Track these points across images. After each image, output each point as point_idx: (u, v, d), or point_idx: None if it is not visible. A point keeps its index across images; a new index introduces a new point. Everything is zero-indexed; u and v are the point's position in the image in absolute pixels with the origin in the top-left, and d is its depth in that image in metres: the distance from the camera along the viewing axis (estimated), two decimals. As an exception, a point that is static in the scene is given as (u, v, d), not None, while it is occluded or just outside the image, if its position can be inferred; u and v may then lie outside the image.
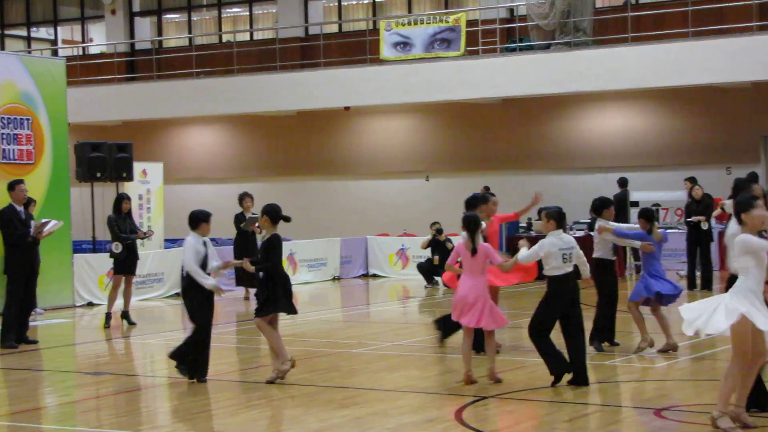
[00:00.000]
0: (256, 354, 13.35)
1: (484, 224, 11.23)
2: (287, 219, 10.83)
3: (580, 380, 10.29)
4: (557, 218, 10.36)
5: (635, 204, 22.60)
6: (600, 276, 12.34)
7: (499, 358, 12.30)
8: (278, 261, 10.91)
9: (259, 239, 20.54)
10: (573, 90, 24.58)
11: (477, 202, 12.53)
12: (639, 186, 24.48)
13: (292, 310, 11.07)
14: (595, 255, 12.43)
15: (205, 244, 10.93)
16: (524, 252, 10.40)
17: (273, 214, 10.82)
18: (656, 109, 25.88)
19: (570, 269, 10.28)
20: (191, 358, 10.80)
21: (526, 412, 9.45)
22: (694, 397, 10.06)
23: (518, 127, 27.21)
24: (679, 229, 21.98)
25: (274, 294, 10.80)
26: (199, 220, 10.92)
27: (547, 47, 25.02)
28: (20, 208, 14.14)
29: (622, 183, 23.17)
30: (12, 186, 14.26)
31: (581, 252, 10.52)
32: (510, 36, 26.48)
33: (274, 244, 10.78)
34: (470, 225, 10.55)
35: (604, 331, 12.49)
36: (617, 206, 17.38)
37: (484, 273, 10.58)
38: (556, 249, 10.20)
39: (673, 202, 23.78)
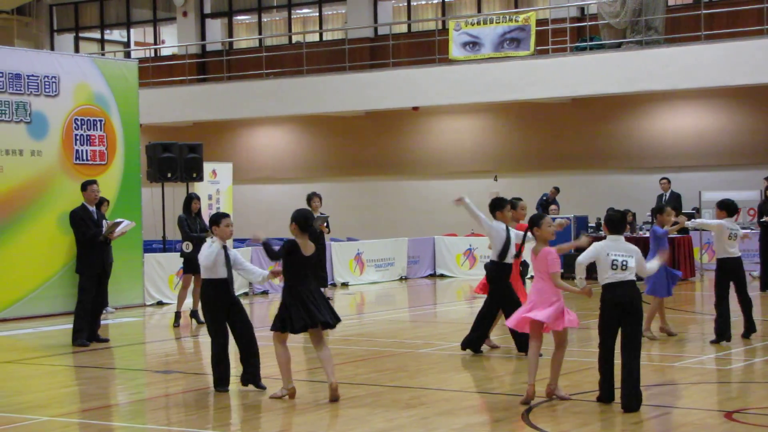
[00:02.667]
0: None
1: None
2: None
3: (625, 405, 9.31)
4: (609, 223, 9.79)
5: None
6: None
7: (569, 358, 12.19)
8: (298, 271, 9.92)
9: (327, 239, 20.68)
10: (644, 89, 24.31)
11: (503, 205, 12.36)
12: (711, 186, 24.13)
13: (309, 323, 9.84)
14: None
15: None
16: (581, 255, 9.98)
17: (302, 221, 9.99)
18: (729, 108, 25.49)
19: (622, 278, 9.54)
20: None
21: (594, 413, 9.34)
22: (766, 399, 9.87)
23: (588, 127, 26.98)
24: (752, 229, 21.62)
25: (288, 310, 9.84)
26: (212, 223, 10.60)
27: (618, 46, 24.77)
28: (92, 208, 14.33)
29: None
30: (84, 186, 14.47)
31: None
32: (580, 35, 26.27)
33: (290, 251, 9.91)
34: (531, 224, 10.22)
35: None
36: None
37: (547, 278, 10.13)
38: (604, 254, 9.67)
39: (745, 202, 23.37)
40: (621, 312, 9.48)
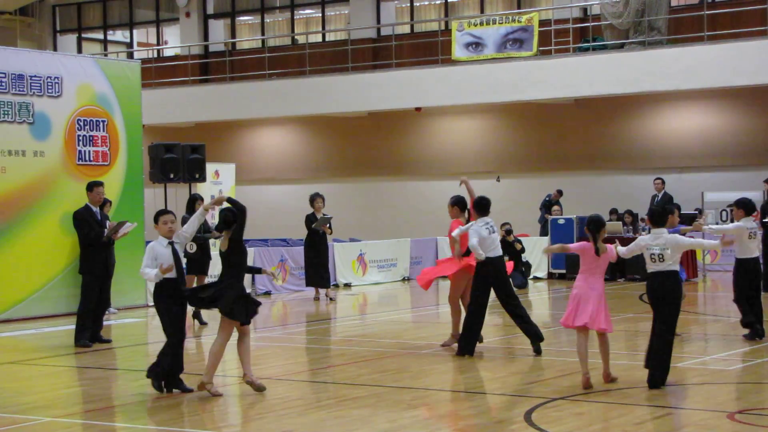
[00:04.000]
0: (326, 354, 13.39)
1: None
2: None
3: (650, 381, 10.25)
4: (651, 217, 10.50)
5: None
6: None
7: (571, 359, 12.19)
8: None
9: (330, 239, 20.69)
10: (647, 90, 24.30)
11: (488, 206, 12.60)
12: (714, 186, 24.13)
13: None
14: None
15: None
16: (621, 249, 10.64)
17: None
18: (732, 109, 25.47)
19: (660, 269, 10.23)
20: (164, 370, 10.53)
21: (597, 414, 9.33)
22: (769, 401, 9.88)
23: (591, 128, 26.97)
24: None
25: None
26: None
27: (621, 46, 24.77)
28: (96, 209, 14.34)
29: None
30: (90, 187, 14.47)
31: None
32: (583, 35, 26.26)
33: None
34: (591, 226, 10.53)
35: None
36: None
37: (603, 274, 10.60)
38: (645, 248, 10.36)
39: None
40: (658, 299, 10.26)
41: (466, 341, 12.44)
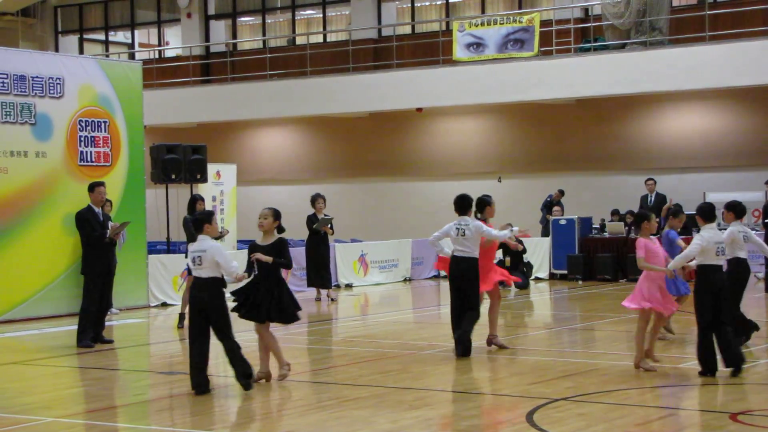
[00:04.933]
0: (327, 355, 13.39)
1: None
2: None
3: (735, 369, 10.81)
4: (702, 213, 10.89)
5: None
6: None
7: (573, 360, 12.20)
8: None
9: (331, 240, 20.69)
10: (648, 90, 24.30)
11: (468, 206, 12.64)
12: (715, 187, 24.13)
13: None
14: None
15: None
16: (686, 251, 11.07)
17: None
18: (734, 109, 25.47)
19: (719, 262, 10.83)
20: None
21: (598, 414, 9.33)
22: (771, 401, 9.87)
23: (592, 128, 26.97)
24: (757, 230, 21.60)
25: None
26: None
27: (622, 47, 24.76)
28: (98, 210, 14.35)
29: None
30: (92, 188, 14.47)
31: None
32: (584, 36, 26.27)
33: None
34: (637, 222, 11.27)
35: None
36: None
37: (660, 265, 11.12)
38: (712, 244, 10.74)
39: (750, 203, 23.31)
40: (723, 289, 10.84)
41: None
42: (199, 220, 10.58)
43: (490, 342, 13.01)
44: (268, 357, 10.88)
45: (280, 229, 10.81)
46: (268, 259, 10.58)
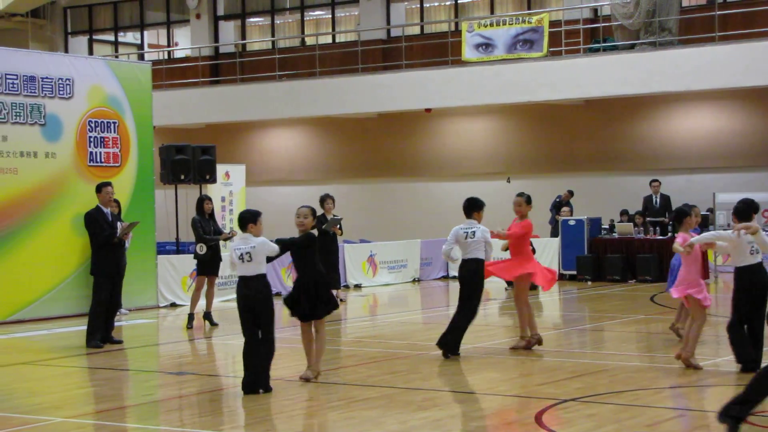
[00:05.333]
0: (336, 355, 13.39)
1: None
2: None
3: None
4: (738, 213, 10.99)
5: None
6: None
7: (582, 360, 12.18)
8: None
9: (340, 241, 20.69)
10: (658, 90, 24.26)
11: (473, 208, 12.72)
12: (725, 187, 24.08)
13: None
14: None
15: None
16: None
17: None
18: (743, 109, 25.42)
19: (758, 260, 10.87)
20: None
21: (608, 415, 9.32)
22: (781, 402, 9.83)
23: (601, 128, 26.94)
24: (767, 230, 21.58)
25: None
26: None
27: (631, 47, 24.73)
28: (107, 210, 14.37)
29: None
30: (99, 188, 14.50)
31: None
32: (594, 36, 26.23)
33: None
34: (677, 218, 11.36)
35: None
36: None
37: (697, 262, 11.17)
38: (745, 243, 10.79)
39: (761, 204, 23.32)
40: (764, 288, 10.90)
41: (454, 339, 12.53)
42: (244, 219, 10.56)
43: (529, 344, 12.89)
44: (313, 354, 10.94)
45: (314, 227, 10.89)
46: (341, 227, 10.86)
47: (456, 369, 11.94)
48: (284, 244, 10.73)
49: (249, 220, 10.53)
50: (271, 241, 10.70)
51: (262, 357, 10.39)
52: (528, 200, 13.19)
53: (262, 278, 10.41)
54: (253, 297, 10.34)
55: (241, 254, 10.36)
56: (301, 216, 10.84)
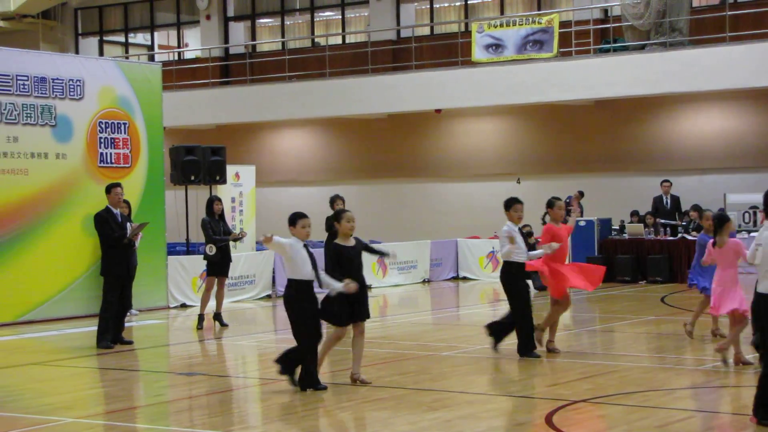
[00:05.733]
0: (346, 356, 13.38)
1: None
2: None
3: None
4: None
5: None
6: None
7: (593, 361, 12.16)
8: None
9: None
10: (668, 91, 24.20)
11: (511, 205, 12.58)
12: (736, 188, 24.01)
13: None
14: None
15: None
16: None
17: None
18: (755, 110, 25.33)
19: None
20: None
21: (618, 416, 9.30)
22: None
23: (611, 129, 26.88)
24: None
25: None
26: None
27: (642, 48, 24.67)
28: (116, 211, 14.38)
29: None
30: (109, 189, 14.51)
31: None
32: (604, 37, 26.18)
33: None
34: (717, 222, 11.30)
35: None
36: None
37: (733, 266, 11.31)
38: None
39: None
40: None
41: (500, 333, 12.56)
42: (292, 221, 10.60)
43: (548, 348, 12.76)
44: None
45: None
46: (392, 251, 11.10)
47: (466, 370, 11.93)
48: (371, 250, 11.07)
49: (289, 223, 10.61)
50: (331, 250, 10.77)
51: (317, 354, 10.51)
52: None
53: (306, 283, 10.47)
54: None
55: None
56: (351, 221, 10.83)
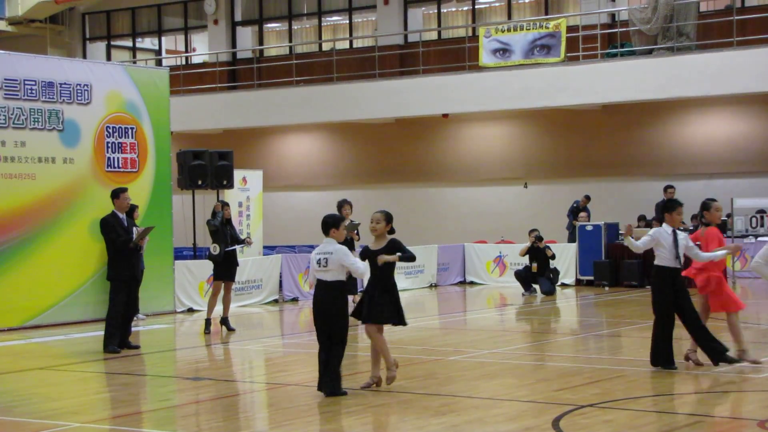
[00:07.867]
0: (353, 360, 13.38)
1: None
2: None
3: None
4: None
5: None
6: None
7: (600, 366, 12.14)
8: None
9: (357, 246, 20.67)
10: (675, 95, 24.19)
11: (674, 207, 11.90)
12: (743, 192, 23.99)
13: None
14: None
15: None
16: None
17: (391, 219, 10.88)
18: (762, 115, 25.32)
19: None
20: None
21: (625, 421, 9.28)
22: (800, 409, 9.78)
23: (619, 134, 26.87)
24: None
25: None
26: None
27: (649, 52, 24.67)
28: (123, 216, 14.39)
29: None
30: (116, 194, 14.51)
31: None
32: (611, 41, 26.18)
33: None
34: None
35: None
36: None
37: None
38: None
39: (779, 210, 23.23)
40: None
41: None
42: (327, 224, 10.58)
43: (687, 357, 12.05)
44: (379, 362, 10.89)
45: (391, 231, 10.81)
46: (395, 257, 10.59)
47: (473, 374, 11.92)
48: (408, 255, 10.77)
49: (331, 225, 10.56)
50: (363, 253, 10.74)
51: (326, 361, 10.39)
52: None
53: (337, 285, 10.41)
54: (325, 302, 10.38)
55: (319, 259, 10.41)
56: (374, 221, 10.82)
